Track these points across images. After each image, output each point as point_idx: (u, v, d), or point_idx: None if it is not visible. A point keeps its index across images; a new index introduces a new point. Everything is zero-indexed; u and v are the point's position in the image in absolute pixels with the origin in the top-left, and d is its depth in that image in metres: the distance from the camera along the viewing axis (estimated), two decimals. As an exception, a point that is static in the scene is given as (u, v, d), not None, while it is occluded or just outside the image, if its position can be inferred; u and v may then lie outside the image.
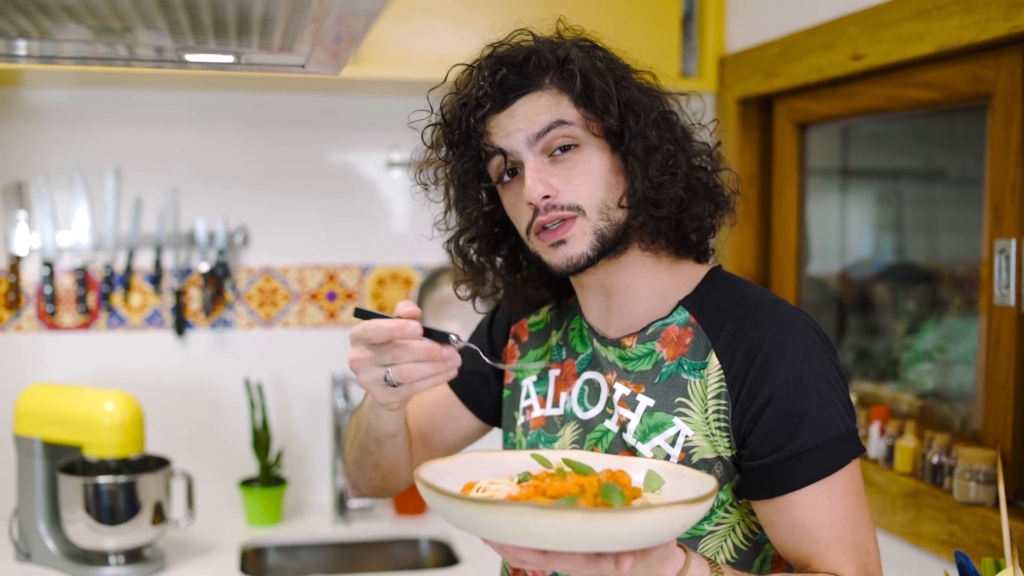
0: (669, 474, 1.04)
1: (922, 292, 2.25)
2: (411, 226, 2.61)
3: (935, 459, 1.81)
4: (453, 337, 1.14)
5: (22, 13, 0.87)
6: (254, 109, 2.50)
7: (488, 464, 1.08)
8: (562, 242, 1.20)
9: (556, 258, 1.21)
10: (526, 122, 1.20)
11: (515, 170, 1.23)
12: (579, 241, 1.20)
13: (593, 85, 1.19)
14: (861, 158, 2.49)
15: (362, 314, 1.17)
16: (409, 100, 2.55)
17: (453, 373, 1.16)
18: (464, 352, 1.24)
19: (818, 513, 1.15)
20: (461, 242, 1.35)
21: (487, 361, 1.27)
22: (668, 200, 1.20)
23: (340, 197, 2.56)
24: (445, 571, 2.20)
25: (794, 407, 1.15)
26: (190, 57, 1.10)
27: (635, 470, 1.04)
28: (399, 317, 1.15)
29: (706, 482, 0.99)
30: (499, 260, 1.36)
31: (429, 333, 1.14)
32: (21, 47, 1.04)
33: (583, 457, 1.07)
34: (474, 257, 1.35)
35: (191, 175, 2.48)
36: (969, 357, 1.95)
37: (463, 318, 2.61)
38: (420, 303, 2.57)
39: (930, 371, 2.12)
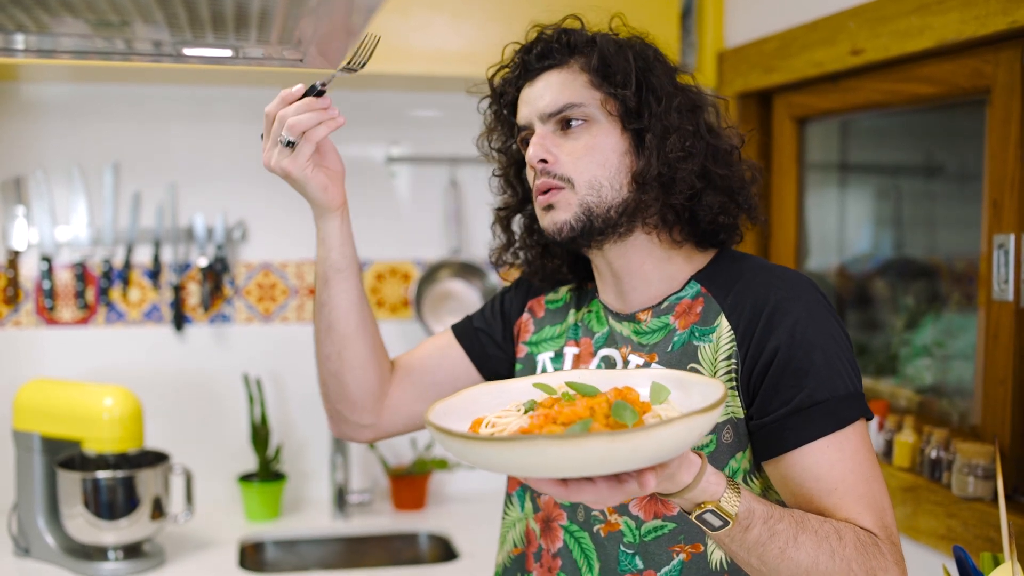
0: (673, 383, 1.03)
1: (921, 287, 2.25)
2: (410, 221, 2.61)
3: (934, 454, 1.81)
4: (318, 84, 1.23)
5: (20, 7, 0.87)
6: (252, 104, 2.50)
7: (490, 397, 1.06)
8: (551, 207, 1.27)
9: (546, 222, 1.28)
10: (540, 99, 1.27)
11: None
12: (564, 209, 1.26)
13: (611, 62, 1.25)
14: (860, 153, 2.49)
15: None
16: (408, 95, 2.57)
17: (340, 120, 1.25)
18: (471, 324, 1.44)
19: (830, 465, 1.15)
20: (500, 210, 1.43)
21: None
22: (681, 183, 1.24)
23: (339, 192, 2.56)
24: (444, 566, 2.20)
25: (800, 360, 1.16)
26: (188, 51, 1.10)
27: (639, 385, 1.03)
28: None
29: (711, 385, 0.98)
30: (532, 236, 1.42)
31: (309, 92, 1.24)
32: (19, 41, 1.03)
33: (586, 377, 1.06)
34: (512, 226, 1.43)
35: (189, 170, 2.48)
36: (968, 352, 1.95)
37: (464, 311, 2.61)
38: (419, 298, 2.57)
39: (929, 366, 2.12)
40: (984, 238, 1.74)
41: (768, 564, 1.05)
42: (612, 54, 1.25)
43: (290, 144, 1.25)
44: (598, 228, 1.25)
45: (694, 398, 1.00)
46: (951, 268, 2.14)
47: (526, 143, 1.30)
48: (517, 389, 1.07)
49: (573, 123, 1.25)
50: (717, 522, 1.02)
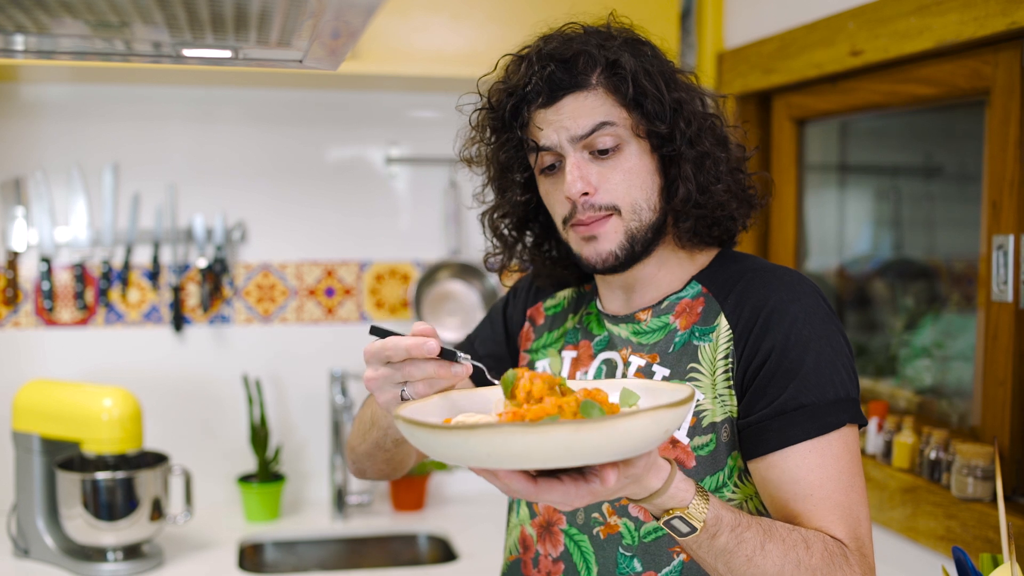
0: (643, 390, 1.04)
1: (920, 288, 2.25)
2: (410, 222, 2.61)
3: (933, 455, 1.81)
4: (461, 357, 1.13)
5: (19, 8, 0.87)
6: (252, 105, 2.50)
7: (462, 402, 1.08)
8: (594, 237, 1.24)
9: (587, 252, 1.26)
10: (571, 122, 1.22)
11: (555, 163, 1.26)
12: (610, 239, 1.24)
13: (644, 89, 1.21)
14: (859, 154, 2.49)
15: (378, 332, 1.17)
16: (407, 96, 2.57)
17: (456, 383, 1.14)
18: (472, 349, 1.36)
19: (808, 470, 1.15)
20: (495, 216, 1.39)
21: (491, 380, 1.21)
22: (712, 203, 1.25)
23: (338, 193, 2.56)
24: (443, 567, 2.20)
25: (792, 362, 1.17)
26: (188, 52, 1.09)
27: (611, 390, 1.04)
28: (415, 335, 1.13)
29: (681, 391, 0.98)
30: (529, 237, 1.40)
31: (441, 352, 1.14)
32: (19, 42, 1.03)
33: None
34: (505, 232, 1.40)
35: (189, 171, 2.48)
36: (967, 353, 1.95)
37: (463, 312, 2.61)
38: (418, 299, 2.57)
39: (928, 367, 2.12)
40: (983, 239, 1.74)
41: (735, 571, 1.06)
42: (643, 80, 1.21)
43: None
44: (638, 253, 1.26)
45: (663, 403, 1.00)
46: (950, 269, 2.14)
47: (552, 165, 1.26)
48: (489, 395, 1.08)
49: (605, 146, 1.22)
50: (684, 528, 1.03)
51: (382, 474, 1.45)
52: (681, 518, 1.02)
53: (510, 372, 1.01)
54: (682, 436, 1.22)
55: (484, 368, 1.23)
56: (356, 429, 1.42)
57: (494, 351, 1.46)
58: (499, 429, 0.84)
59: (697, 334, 1.25)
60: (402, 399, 1.14)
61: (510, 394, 0.99)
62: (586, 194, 1.22)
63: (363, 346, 1.43)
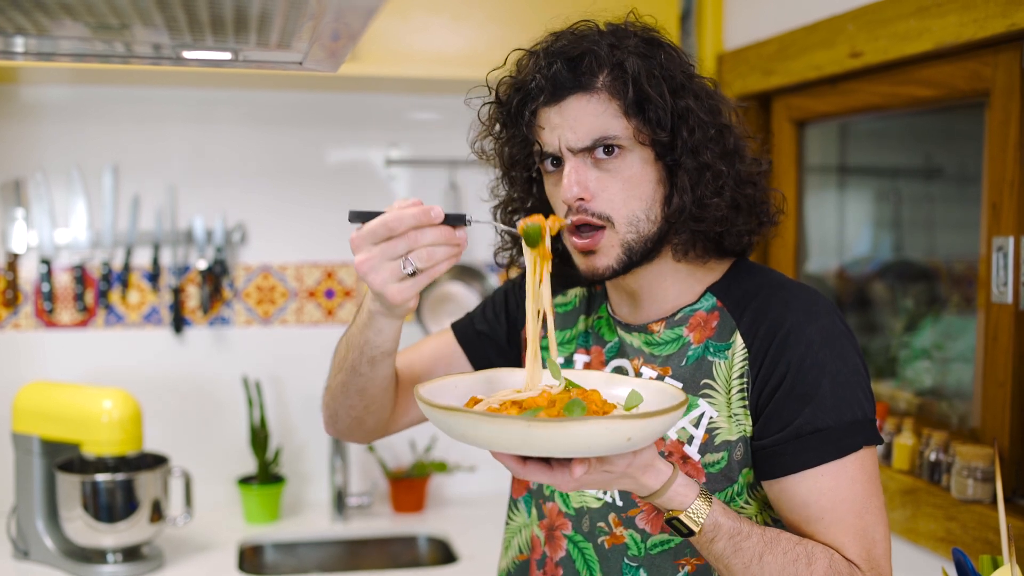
0: (654, 393, 1.09)
1: (920, 289, 2.25)
2: (409, 223, 2.61)
3: (933, 456, 1.81)
4: (469, 217, 1.10)
5: (20, 10, 0.87)
6: (252, 106, 2.50)
7: (499, 380, 1.17)
8: (592, 252, 1.22)
9: (584, 265, 1.24)
10: (571, 129, 1.19)
11: (559, 160, 1.23)
12: (607, 253, 1.21)
13: (647, 96, 1.17)
14: (859, 155, 2.49)
15: (358, 216, 1.13)
16: (407, 97, 2.57)
17: (461, 251, 1.13)
18: (472, 326, 1.44)
19: (820, 493, 1.15)
20: (507, 211, 1.38)
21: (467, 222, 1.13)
22: (711, 217, 1.21)
23: (338, 194, 2.56)
24: (443, 568, 2.20)
25: (807, 386, 1.16)
26: (188, 54, 1.10)
27: (623, 387, 1.13)
28: (403, 207, 1.11)
29: (676, 395, 1.05)
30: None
31: (446, 217, 1.11)
32: (19, 44, 1.03)
33: (581, 377, 1.15)
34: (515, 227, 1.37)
35: (189, 172, 2.48)
36: (967, 354, 1.95)
37: (463, 314, 2.61)
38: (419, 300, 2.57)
39: (928, 368, 2.12)
40: (983, 240, 1.74)
41: (734, 575, 1.10)
42: (645, 86, 1.18)
43: (412, 273, 1.11)
44: (636, 262, 1.23)
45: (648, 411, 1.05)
46: (950, 270, 2.14)
47: (552, 161, 1.24)
48: (522, 381, 1.17)
49: (606, 150, 1.19)
50: (683, 529, 1.08)
51: (353, 418, 1.37)
52: (679, 519, 1.07)
53: (532, 226, 1.11)
54: (693, 452, 1.22)
55: (497, 223, 1.24)
56: (332, 365, 1.36)
57: (490, 335, 1.44)
58: (469, 415, 0.98)
59: (712, 349, 1.23)
60: (404, 272, 1.10)
61: (535, 243, 1.12)
62: (582, 199, 1.19)
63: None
